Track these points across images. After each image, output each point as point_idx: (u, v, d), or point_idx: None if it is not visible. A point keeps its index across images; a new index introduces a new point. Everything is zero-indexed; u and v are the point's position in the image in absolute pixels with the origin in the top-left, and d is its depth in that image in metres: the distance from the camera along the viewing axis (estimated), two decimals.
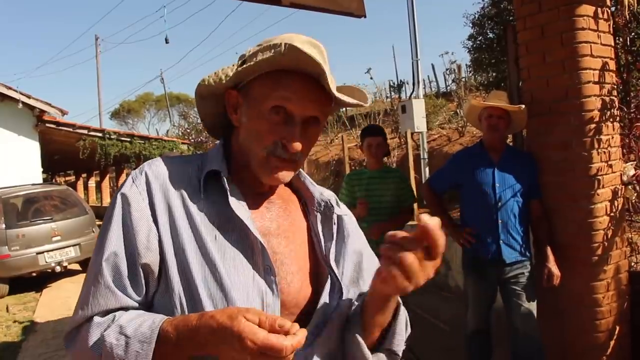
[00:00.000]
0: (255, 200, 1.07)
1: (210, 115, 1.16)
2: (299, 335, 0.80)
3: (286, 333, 0.79)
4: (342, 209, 1.17)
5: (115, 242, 0.94)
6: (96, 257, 0.95)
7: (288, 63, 0.96)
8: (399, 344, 1.05)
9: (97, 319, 0.91)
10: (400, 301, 1.04)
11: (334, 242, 1.10)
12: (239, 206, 1.00)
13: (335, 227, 1.12)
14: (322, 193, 1.15)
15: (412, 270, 0.83)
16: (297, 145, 0.98)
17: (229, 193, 1.00)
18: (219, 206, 1.00)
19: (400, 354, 1.06)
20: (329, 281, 1.06)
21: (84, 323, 0.93)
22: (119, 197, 0.99)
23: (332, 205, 1.12)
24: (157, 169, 1.03)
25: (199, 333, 0.83)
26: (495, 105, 3.20)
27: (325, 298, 1.04)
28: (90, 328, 0.90)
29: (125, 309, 0.93)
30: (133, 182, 1.00)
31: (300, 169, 1.14)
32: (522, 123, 3.36)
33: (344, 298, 1.06)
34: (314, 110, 1.01)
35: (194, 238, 0.96)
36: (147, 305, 0.96)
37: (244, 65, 1.00)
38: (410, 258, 0.83)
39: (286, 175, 1.03)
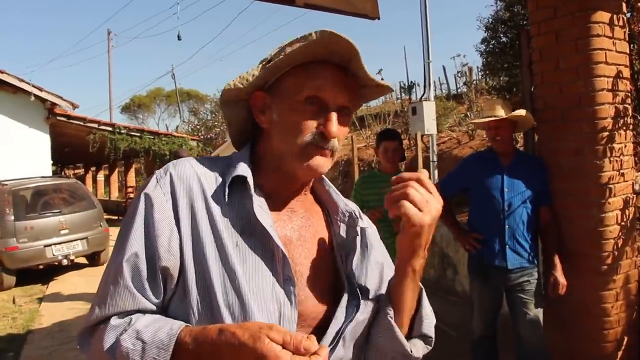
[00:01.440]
0: (279, 208, 1.06)
1: (236, 122, 1.15)
2: (322, 356, 0.78)
3: (310, 354, 0.77)
4: (364, 222, 1.15)
5: (137, 243, 0.93)
6: (116, 257, 0.94)
7: (321, 51, 0.97)
8: (430, 327, 1.07)
9: (114, 320, 0.90)
10: (422, 287, 1.06)
11: (357, 254, 1.08)
12: (262, 213, 0.98)
13: (359, 239, 1.10)
14: (347, 204, 1.13)
15: (419, 198, 0.91)
16: (335, 132, 0.99)
17: (253, 199, 0.98)
18: (242, 212, 0.99)
19: (433, 337, 1.08)
20: (345, 296, 1.03)
21: (100, 323, 0.92)
22: (142, 197, 0.97)
23: (357, 217, 1.11)
24: (182, 171, 1.01)
25: (219, 349, 0.81)
26: (488, 121, 3.20)
27: (341, 312, 1.01)
28: (107, 330, 0.89)
29: (143, 311, 0.92)
30: (157, 182, 0.99)
31: (324, 177, 1.14)
32: (529, 122, 3.35)
33: (361, 312, 1.03)
34: (346, 99, 1.02)
35: (215, 243, 0.95)
36: (163, 308, 0.95)
37: (274, 60, 1.00)
38: (414, 186, 0.92)
39: (323, 164, 1.02)
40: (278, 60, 0.99)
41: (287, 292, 0.96)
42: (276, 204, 1.06)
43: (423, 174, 0.94)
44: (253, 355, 0.76)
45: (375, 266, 1.12)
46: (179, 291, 0.94)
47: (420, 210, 0.92)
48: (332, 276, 1.07)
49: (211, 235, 0.95)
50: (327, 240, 1.10)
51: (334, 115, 0.99)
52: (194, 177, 1.01)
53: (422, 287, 1.07)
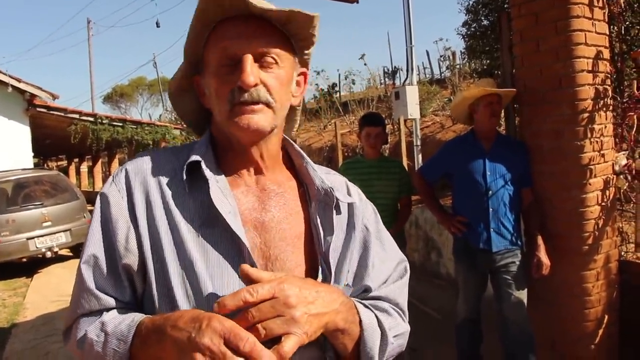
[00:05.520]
0: (247, 189, 1.00)
1: (190, 113, 1.12)
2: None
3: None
4: (353, 197, 1.10)
5: (94, 244, 0.93)
6: (80, 259, 0.94)
7: (215, 10, 0.92)
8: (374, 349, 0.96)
9: (84, 317, 0.92)
10: (365, 320, 0.94)
11: (334, 235, 1.01)
12: (221, 199, 0.93)
13: (339, 218, 1.04)
14: (324, 180, 1.03)
15: (271, 314, 0.78)
16: (250, 80, 0.90)
17: (210, 184, 0.93)
18: (204, 200, 0.93)
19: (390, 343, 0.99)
20: (319, 279, 0.96)
21: (74, 322, 0.94)
22: (98, 197, 0.97)
23: (334, 194, 1.02)
24: (139, 165, 0.99)
25: (165, 341, 0.79)
26: (497, 91, 3.18)
27: None
28: (78, 325, 0.92)
29: (112, 309, 0.91)
30: (113, 180, 0.98)
31: (300, 150, 1.08)
32: (505, 105, 3.40)
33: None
34: (260, 45, 0.93)
35: (173, 238, 0.91)
36: (138, 305, 0.94)
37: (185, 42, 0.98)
38: (252, 313, 0.78)
39: (255, 119, 0.93)
40: (187, 42, 0.97)
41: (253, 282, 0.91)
42: (242, 184, 1.00)
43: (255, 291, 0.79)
44: (192, 349, 0.74)
45: (360, 247, 1.06)
46: (146, 288, 0.92)
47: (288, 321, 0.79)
48: (311, 259, 1.00)
49: (168, 229, 0.92)
50: (304, 219, 1.02)
51: (246, 64, 0.91)
52: (151, 170, 0.98)
53: (365, 321, 0.95)
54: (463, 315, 3.40)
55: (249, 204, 0.99)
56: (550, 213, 3.26)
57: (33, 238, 8.32)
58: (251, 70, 0.91)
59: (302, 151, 1.09)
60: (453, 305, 3.64)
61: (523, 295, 3.16)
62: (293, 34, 0.99)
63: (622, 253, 3.67)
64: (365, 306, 0.98)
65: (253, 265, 0.90)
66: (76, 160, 28.91)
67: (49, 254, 8.47)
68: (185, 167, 0.95)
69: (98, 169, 25.32)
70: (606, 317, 3.25)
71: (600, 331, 3.23)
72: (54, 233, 8.58)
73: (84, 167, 28.43)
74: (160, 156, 1.01)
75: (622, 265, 3.41)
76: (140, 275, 0.92)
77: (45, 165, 28.03)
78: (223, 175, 0.98)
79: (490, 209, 3.14)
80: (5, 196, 8.62)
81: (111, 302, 0.91)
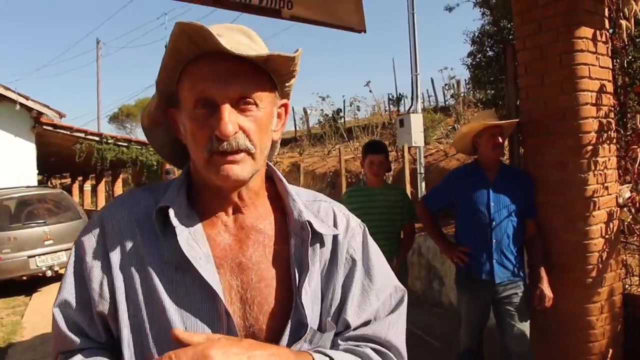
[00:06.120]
0: (225, 228, 0.97)
1: (166, 146, 1.09)
2: None
3: None
4: (339, 227, 1.04)
5: (67, 290, 0.95)
6: (54, 302, 0.96)
7: (189, 46, 0.87)
8: None
9: (61, 355, 0.95)
10: None
11: (309, 272, 0.95)
12: (192, 244, 0.91)
13: (322, 251, 1.00)
14: (302, 212, 0.98)
15: None
16: (229, 130, 0.86)
17: (177, 231, 0.90)
18: (176, 246, 0.90)
19: None
20: (289, 322, 0.92)
21: (56, 358, 0.98)
22: (74, 245, 0.98)
23: (309, 229, 0.96)
24: (114, 212, 0.97)
25: None
26: (498, 124, 3.20)
27: (284, 342, 0.91)
28: None
29: (85, 349, 0.94)
30: (89, 228, 0.98)
31: (283, 180, 1.04)
32: (508, 135, 3.43)
33: (306, 340, 0.92)
34: (238, 89, 0.88)
35: (146, 283, 0.91)
36: (114, 345, 0.95)
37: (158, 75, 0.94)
38: None
39: (236, 171, 0.89)
40: (159, 75, 0.93)
41: (229, 329, 0.89)
42: (218, 224, 0.97)
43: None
44: None
45: (342, 281, 1.00)
46: (121, 333, 0.92)
47: None
48: (289, 299, 0.95)
49: (140, 278, 0.91)
50: (284, 256, 0.98)
51: (224, 113, 0.86)
52: (126, 216, 0.96)
53: None
54: (465, 345, 3.36)
55: (225, 245, 0.96)
56: (554, 245, 3.25)
57: (34, 256, 8.29)
58: (229, 119, 0.87)
59: (283, 179, 1.05)
60: (455, 334, 3.61)
61: (526, 327, 3.13)
62: (272, 69, 0.94)
63: (626, 286, 3.65)
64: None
65: (227, 312, 0.89)
66: (80, 178, 28.96)
67: (49, 273, 8.43)
68: (155, 213, 0.94)
69: (102, 188, 25.33)
70: (610, 351, 3.22)
71: None
72: (56, 252, 8.56)
73: (87, 186, 28.48)
74: (137, 198, 1.00)
75: (626, 299, 3.39)
76: (114, 321, 0.93)
77: (49, 182, 28.11)
78: (197, 218, 0.96)
79: (494, 240, 3.13)
80: (8, 213, 8.63)
81: (83, 343, 0.93)
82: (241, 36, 0.92)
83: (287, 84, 1.00)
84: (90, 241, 0.95)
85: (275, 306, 0.94)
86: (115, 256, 0.93)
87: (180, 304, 0.89)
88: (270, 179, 1.07)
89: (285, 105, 1.03)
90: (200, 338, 0.79)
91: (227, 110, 0.87)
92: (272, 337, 0.92)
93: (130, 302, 0.91)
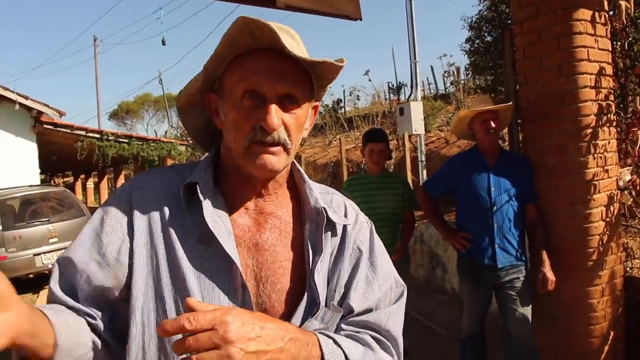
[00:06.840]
0: (245, 211, 1.03)
1: (198, 128, 1.14)
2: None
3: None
4: (349, 218, 1.11)
5: (78, 250, 0.96)
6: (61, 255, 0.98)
7: (247, 40, 0.92)
8: None
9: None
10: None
11: (322, 255, 1.01)
12: (216, 219, 0.96)
13: (333, 239, 1.06)
14: (318, 200, 1.05)
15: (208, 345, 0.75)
16: (275, 123, 0.92)
17: (203, 206, 0.96)
18: (200, 219, 0.96)
19: None
20: (303, 301, 0.98)
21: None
22: (100, 210, 1.00)
23: (325, 215, 1.03)
24: (141, 183, 1.02)
25: None
26: (488, 109, 3.19)
27: (297, 319, 0.97)
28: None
29: (67, 305, 0.95)
30: (115, 195, 1.02)
31: (301, 170, 1.11)
32: (508, 119, 3.39)
33: (318, 319, 0.97)
34: (286, 87, 0.94)
35: (168, 252, 0.95)
36: (108, 315, 0.97)
37: (207, 62, 0.98)
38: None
39: (272, 161, 0.95)
40: (210, 58, 0.97)
41: (244, 301, 0.94)
42: (241, 206, 1.03)
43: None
44: None
45: (348, 269, 1.06)
46: (133, 300, 0.94)
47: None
48: (302, 281, 1.01)
49: (164, 246, 0.95)
50: (298, 241, 1.04)
51: (272, 107, 0.92)
52: (153, 188, 1.01)
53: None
54: (467, 331, 3.38)
55: (244, 225, 1.02)
56: (555, 229, 3.26)
57: (40, 254, 8.35)
58: (276, 113, 0.93)
59: (302, 171, 1.12)
60: (458, 320, 3.63)
61: (528, 311, 3.14)
62: (317, 74, 1.01)
63: (627, 269, 3.66)
64: (336, 342, 0.94)
65: (244, 284, 0.94)
66: (82, 176, 29.02)
67: None
68: (182, 187, 0.99)
69: (104, 185, 25.38)
70: (612, 333, 3.23)
71: (606, 347, 3.20)
72: (61, 249, 8.59)
73: (90, 184, 28.54)
74: (161, 174, 1.05)
75: (627, 281, 3.40)
76: (125, 287, 0.95)
77: (52, 181, 28.19)
78: (221, 197, 1.01)
79: (495, 225, 3.14)
80: (12, 212, 8.67)
81: (70, 302, 0.94)
82: (288, 37, 0.95)
83: (324, 88, 1.08)
84: (115, 208, 0.99)
85: (288, 286, 1.00)
86: (140, 223, 0.97)
87: (200, 273, 0.94)
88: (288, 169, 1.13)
89: (315, 107, 1.10)
90: (212, 308, 0.81)
91: (275, 107, 0.93)
92: (284, 314, 0.98)
93: (150, 268, 0.94)
